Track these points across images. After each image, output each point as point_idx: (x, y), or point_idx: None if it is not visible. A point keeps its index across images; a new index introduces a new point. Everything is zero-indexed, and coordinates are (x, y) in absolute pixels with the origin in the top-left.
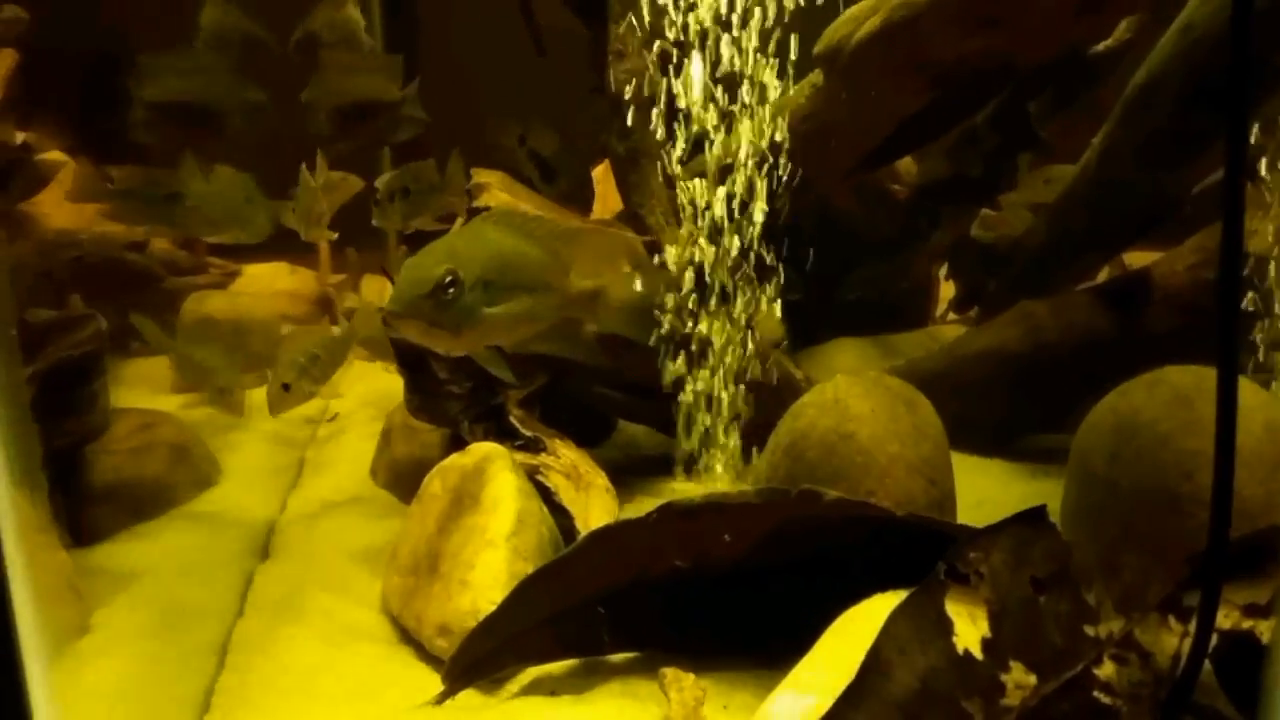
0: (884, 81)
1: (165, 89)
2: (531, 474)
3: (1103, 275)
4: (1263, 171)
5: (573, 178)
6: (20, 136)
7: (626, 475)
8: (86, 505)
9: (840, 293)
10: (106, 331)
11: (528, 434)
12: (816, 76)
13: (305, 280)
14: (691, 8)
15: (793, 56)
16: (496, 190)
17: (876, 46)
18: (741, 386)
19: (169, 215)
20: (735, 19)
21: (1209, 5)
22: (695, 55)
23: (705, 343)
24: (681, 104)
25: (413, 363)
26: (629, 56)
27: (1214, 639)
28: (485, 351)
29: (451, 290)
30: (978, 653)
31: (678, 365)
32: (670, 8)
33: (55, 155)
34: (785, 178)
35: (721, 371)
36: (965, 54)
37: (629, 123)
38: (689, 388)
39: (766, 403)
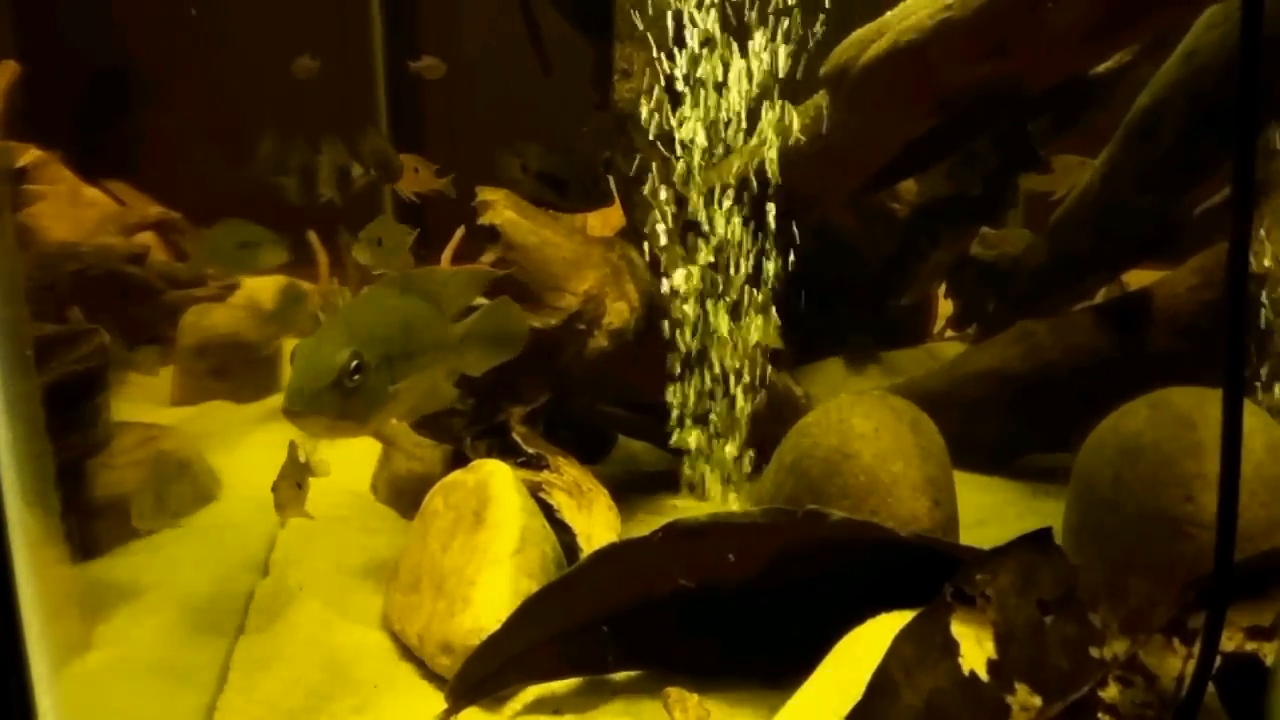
0: (889, 105)
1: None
2: (534, 491)
3: (1101, 295)
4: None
5: (581, 182)
6: (31, 154)
7: (628, 492)
8: (88, 519)
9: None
10: (109, 346)
11: (530, 451)
12: (821, 98)
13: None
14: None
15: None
16: (502, 207)
17: (882, 70)
18: (744, 403)
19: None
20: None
21: (1213, 32)
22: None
23: (708, 358)
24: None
25: None
26: (634, 74)
27: (1218, 661)
28: (392, 427)
29: (356, 376)
30: (983, 674)
31: (680, 381)
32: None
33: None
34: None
35: (725, 387)
36: (972, 79)
37: (633, 140)
38: (692, 403)
39: (768, 420)
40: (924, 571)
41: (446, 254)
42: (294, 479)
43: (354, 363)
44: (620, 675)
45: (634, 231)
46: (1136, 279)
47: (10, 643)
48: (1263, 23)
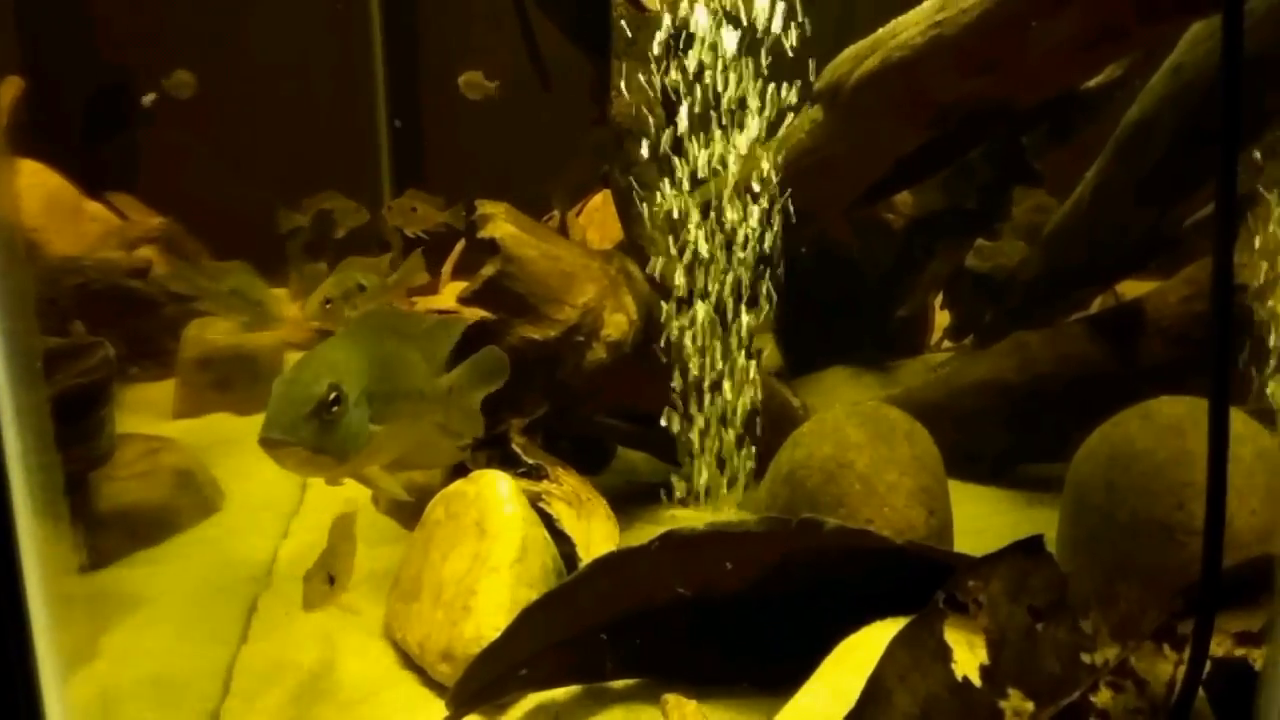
0: (883, 119)
1: None
2: (534, 501)
3: (1096, 306)
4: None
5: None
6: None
7: (627, 502)
8: (92, 530)
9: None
10: (115, 359)
11: (530, 461)
12: (816, 112)
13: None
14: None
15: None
16: (501, 220)
17: (875, 86)
18: (741, 414)
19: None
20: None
21: (1200, 47)
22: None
23: (704, 372)
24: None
25: None
26: (632, 90)
27: (1208, 667)
28: (375, 471)
29: (335, 408)
30: (976, 680)
31: (678, 394)
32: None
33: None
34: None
35: (722, 399)
36: (964, 94)
37: (631, 154)
38: (692, 415)
39: (765, 430)
40: (918, 579)
41: (447, 267)
42: (328, 569)
43: (333, 394)
44: (619, 683)
45: (632, 245)
46: (1131, 290)
47: (20, 650)
48: (1243, 38)
